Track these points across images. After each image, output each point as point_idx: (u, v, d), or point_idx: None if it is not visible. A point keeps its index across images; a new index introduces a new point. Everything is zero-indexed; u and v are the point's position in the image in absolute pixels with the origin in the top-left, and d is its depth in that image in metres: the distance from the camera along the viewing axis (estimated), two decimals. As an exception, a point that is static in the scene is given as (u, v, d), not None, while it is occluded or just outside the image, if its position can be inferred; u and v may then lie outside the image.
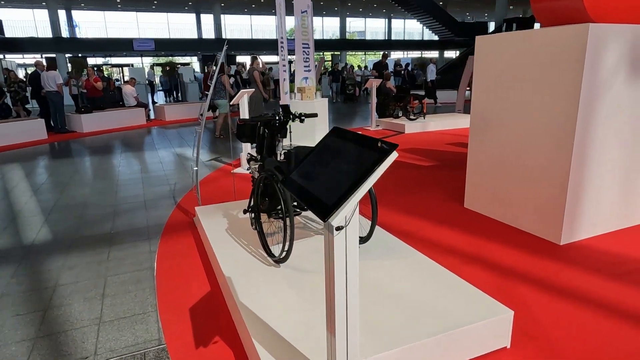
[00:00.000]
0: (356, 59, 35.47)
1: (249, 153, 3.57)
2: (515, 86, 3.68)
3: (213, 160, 7.07)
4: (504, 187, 3.89)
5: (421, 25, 27.38)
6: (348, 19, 31.20)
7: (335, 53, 29.58)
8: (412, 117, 9.66)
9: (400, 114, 9.97)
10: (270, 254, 2.87)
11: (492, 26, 26.48)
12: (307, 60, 7.48)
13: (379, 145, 1.25)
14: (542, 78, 3.44)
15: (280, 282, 2.55)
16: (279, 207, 2.82)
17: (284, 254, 2.69)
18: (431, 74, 14.31)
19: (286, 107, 3.26)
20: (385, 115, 10.27)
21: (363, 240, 3.00)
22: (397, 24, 35.03)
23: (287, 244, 2.65)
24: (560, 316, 2.35)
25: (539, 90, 3.48)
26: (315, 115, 3.41)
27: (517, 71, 3.66)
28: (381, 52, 16.40)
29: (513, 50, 3.68)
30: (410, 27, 35.12)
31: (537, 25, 22.78)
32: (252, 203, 3.14)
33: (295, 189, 1.47)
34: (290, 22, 22.99)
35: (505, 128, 3.81)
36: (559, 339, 2.15)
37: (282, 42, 6.19)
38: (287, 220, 2.60)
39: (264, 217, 3.24)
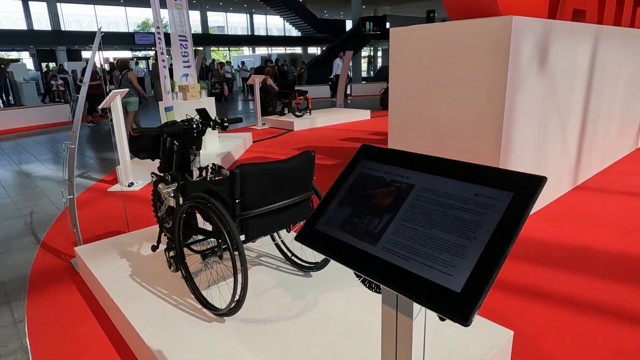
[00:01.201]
0: (218, 55, 34.04)
1: (153, 173, 2.72)
2: (436, 79, 3.53)
3: (78, 176, 5.69)
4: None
5: (283, 21, 27.38)
6: (209, 13, 29.58)
7: (198, 48, 27.80)
8: (298, 113, 9.32)
9: (285, 111, 9.55)
10: (208, 305, 2.15)
11: (349, 24, 27.79)
12: (186, 55, 6.51)
13: (513, 178, 0.76)
14: (465, 69, 3.33)
15: (234, 342, 1.88)
16: (220, 240, 2.12)
17: (234, 304, 2.01)
18: (337, 68, 13.62)
19: (204, 112, 2.53)
20: (267, 112, 9.75)
21: (319, 266, 2.48)
22: (259, 19, 34.50)
23: (240, 288, 1.98)
24: (528, 311, 2.19)
25: (462, 82, 3.37)
26: (239, 119, 2.74)
27: (437, 63, 3.50)
28: (244, 48, 15.63)
29: (432, 42, 3.51)
30: (272, 23, 34.93)
31: (387, 24, 24.56)
32: (160, 237, 2.35)
33: (339, 250, 0.89)
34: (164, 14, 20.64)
35: (426, 122, 3.65)
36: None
37: (159, 35, 5.18)
38: (238, 257, 1.94)
39: (190, 256, 2.47)
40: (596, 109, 4.48)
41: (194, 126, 2.43)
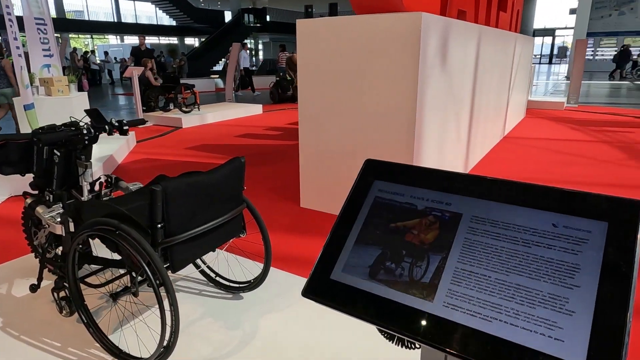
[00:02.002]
0: (79, 43, 30.01)
1: (25, 193, 2.11)
2: (347, 72, 3.43)
3: None
4: (343, 181, 3.64)
5: (155, 8, 25.22)
6: (63, -5, 25.78)
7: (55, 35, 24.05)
8: (185, 109, 8.58)
9: (170, 107, 8.71)
10: (122, 355, 1.71)
11: (228, 15, 26.76)
12: (46, 41, 5.43)
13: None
14: (376, 64, 3.29)
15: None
16: (135, 275, 1.67)
17: (162, 350, 1.61)
18: (244, 61, 12.81)
19: (95, 112, 2.01)
20: (150, 109, 8.80)
21: (251, 285, 2.17)
22: (127, 5, 31.18)
23: (170, 330, 1.59)
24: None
25: (373, 76, 3.32)
26: (142, 121, 2.25)
27: (347, 56, 3.40)
28: (110, 36, 13.99)
29: (341, 35, 3.40)
30: (142, 10, 31.86)
31: (268, 17, 24.30)
32: (42, 272, 1.83)
33: (375, 308, 0.64)
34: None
35: (338, 118, 3.54)
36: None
37: (9, 14, 4.17)
38: (163, 293, 1.54)
39: (92, 297, 1.96)
40: (479, 101, 4.89)
41: (84, 132, 1.91)
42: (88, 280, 2.08)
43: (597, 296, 0.56)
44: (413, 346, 0.74)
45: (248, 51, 13.95)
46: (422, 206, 0.74)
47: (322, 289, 0.71)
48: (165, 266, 1.69)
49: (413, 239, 0.72)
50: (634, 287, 0.55)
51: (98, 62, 16.32)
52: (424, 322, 0.62)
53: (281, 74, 11.77)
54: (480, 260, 0.66)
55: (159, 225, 1.58)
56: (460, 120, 4.32)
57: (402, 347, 0.72)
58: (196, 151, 6.02)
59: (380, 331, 0.72)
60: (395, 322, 0.63)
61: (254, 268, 2.36)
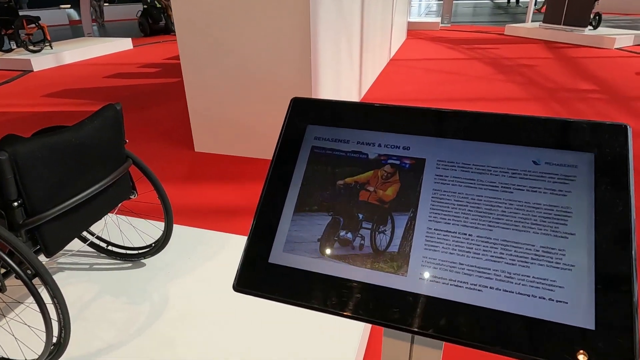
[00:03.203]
0: None
1: None
2: (235, 10, 3.01)
3: None
4: (238, 119, 3.36)
5: None
6: None
7: None
8: (32, 47, 7.07)
9: (12, 46, 7.11)
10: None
11: None
12: None
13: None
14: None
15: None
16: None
17: (52, 348, 1.32)
18: None
19: None
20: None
21: (156, 248, 1.89)
22: None
23: (58, 327, 1.30)
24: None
25: (264, 13, 2.97)
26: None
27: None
28: None
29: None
30: None
31: None
32: None
33: (334, 294, 0.48)
34: None
35: (226, 49, 3.16)
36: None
37: None
38: (44, 289, 1.23)
39: None
40: (368, 26, 4.78)
41: None
42: None
43: (595, 243, 0.48)
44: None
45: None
46: (374, 154, 0.58)
47: (260, 277, 0.53)
48: (35, 250, 1.34)
49: (369, 197, 0.56)
50: (634, 228, 0.47)
51: None
52: (399, 304, 0.49)
53: (149, 0, 10.25)
54: (457, 216, 0.53)
55: (15, 204, 1.21)
56: (352, 46, 4.20)
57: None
58: (56, 99, 5.05)
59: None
60: (364, 309, 0.49)
61: (152, 229, 2.06)
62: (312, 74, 3.06)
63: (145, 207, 2.51)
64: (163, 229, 1.83)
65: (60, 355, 1.33)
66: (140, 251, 1.92)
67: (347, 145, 0.59)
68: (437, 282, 0.50)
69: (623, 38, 6.89)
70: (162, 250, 1.91)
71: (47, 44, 7.25)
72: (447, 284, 0.50)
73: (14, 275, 1.33)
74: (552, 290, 0.47)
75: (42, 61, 6.72)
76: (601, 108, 4.03)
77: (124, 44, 8.18)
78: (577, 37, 7.25)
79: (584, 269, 0.47)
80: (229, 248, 1.97)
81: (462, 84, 5.13)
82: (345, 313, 0.48)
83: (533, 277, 0.48)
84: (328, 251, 0.54)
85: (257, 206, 0.58)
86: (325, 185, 0.58)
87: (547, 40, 7.89)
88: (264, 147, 3.34)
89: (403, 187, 0.56)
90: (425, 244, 0.52)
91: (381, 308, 0.49)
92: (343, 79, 3.94)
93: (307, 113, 0.61)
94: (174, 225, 2.17)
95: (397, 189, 0.56)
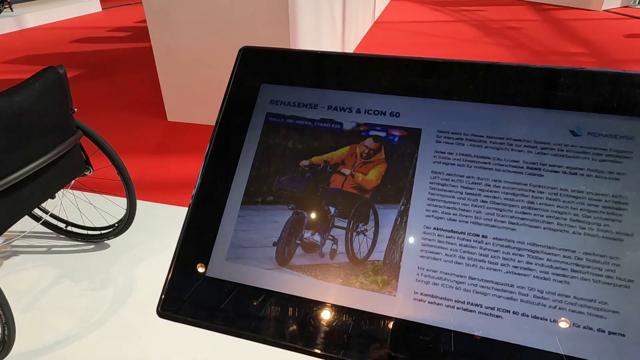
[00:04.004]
0: None
1: None
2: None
3: None
4: (213, 84, 3.12)
5: None
6: None
7: None
8: (-10, 10, 6.54)
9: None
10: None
11: None
12: None
13: None
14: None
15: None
16: None
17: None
18: None
19: None
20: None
21: (120, 228, 1.71)
22: None
23: (2, 323, 1.15)
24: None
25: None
26: None
27: None
28: None
29: None
30: None
31: None
32: None
33: (293, 322, 0.33)
34: None
35: (194, 6, 2.88)
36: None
37: None
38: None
39: None
40: (350, -16, 4.49)
41: None
42: None
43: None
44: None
45: None
46: (351, 123, 0.41)
47: (191, 298, 0.37)
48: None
49: (344, 184, 0.40)
50: None
51: None
52: (385, 337, 0.34)
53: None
54: (466, 210, 0.37)
55: None
56: (334, 7, 3.92)
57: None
58: (18, 66, 4.67)
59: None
60: (336, 344, 0.34)
61: (116, 208, 1.88)
62: (290, 36, 2.82)
63: (108, 183, 2.31)
64: (126, 208, 1.66)
65: (6, 354, 1.18)
66: (103, 231, 1.75)
67: (314, 111, 0.42)
68: (438, 304, 0.35)
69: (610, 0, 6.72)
70: (129, 230, 1.74)
71: (6, 6, 6.71)
72: (453, 307, 0.35)
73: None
74: (602, 317, 0.33)
75: (2, 24, 6.22)
76: (590, 71, 3.90)
77: (92, 6, 7.64)
78: (565, -1, 7.05)
79: (648, 285, 0.33)
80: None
81: (448, 47, 4.92)
82: (309, 350, 0.33)
83: (574, 297, 0.34)
84: (287, 260, 0.39)
85: (192, 197, 0.42)
86: (283, 166, 0.41)
87: (534, 2, 7.66)
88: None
89: (391, 170, 0.40)
90: (421, 250, 0.37)
91: (360, 343, 0.34)
92: (324, 39, 3.69)
93: (260, 67, 0.44)
94: (143, 202, 1.99)
95: (382, 172, 0.40)
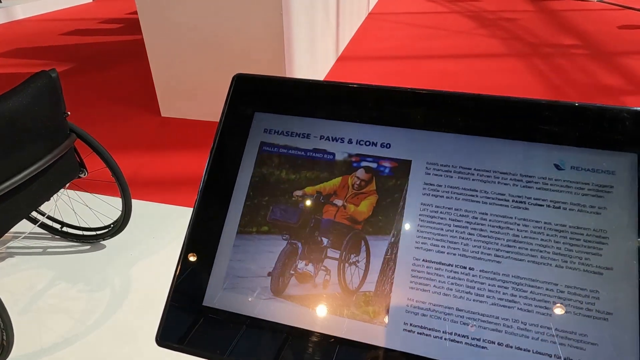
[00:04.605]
0: None
1: None
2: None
3: None
4: (206, 79, 3.10)
5: None
6: None
7: None
8: (-21, 1, 6.42)
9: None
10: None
11: None
12: None
13: None
14: None
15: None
16: None
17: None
18: None
19: None
20: None
21: (116, 228, 1.71)
22: None
23: (0, 329, 1.16)
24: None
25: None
26: None
27: None
28: None
29: None
30: None
31: None
32: None
33: (288, 349, 0.35)
34: None
35: (193, 6, 2.85)
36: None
37: None
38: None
39: None
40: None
41: None
42: None
43: (640, 282, 0.35)
44: None
45: None
46: (343, 153, 0.43)
47: (189, 327, 0.39)
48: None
49: (337, 215, 0.42)
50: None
51: None
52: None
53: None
54: (454, 242, 0.39)
55: None
56: (328, 9, 3.88)
57: None
58: (6, 59, 4.61)
59: None
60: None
61: (111, 208, 1.88)
62: (284, 28, 2.80)
63: (102, 184, 2.31)
64: (122, 208, 1.66)
65: (5, 358, 1.20)
66: (98, 232, 1.76)
67: (306, 141, 0.43)
68: (427, 335, 0.37)
69: (605, -11, 6.69)
70: (124, 230, 1.75)
71: (-5, -3, 6.58)
72: (441, 337, 0.37)
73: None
74: (582, 348, 0.35)
75: (-9, 17, 6.12)
76: (585, 64, 3.90)
77: (83, -3, 7.51)
78: (560, -11, 7.01)
79: (626, 318, 0.35)
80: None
81: (443, 39, 4.90)
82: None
83: (556, 329, 0.36)
84: (282, 290, 0.40)
85: (189, 224, 0.43)
86: (277, 197, 0.43)
87: (529, -8, 7.62)
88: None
89: (382, 201, 0.41)
90: (411, 281, 0.39)
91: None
92: (318, 31, 3.66)
93: (254, 95, 0.45)
94: (138, 202, 1.99)
95: (373, 204, 0.41)
